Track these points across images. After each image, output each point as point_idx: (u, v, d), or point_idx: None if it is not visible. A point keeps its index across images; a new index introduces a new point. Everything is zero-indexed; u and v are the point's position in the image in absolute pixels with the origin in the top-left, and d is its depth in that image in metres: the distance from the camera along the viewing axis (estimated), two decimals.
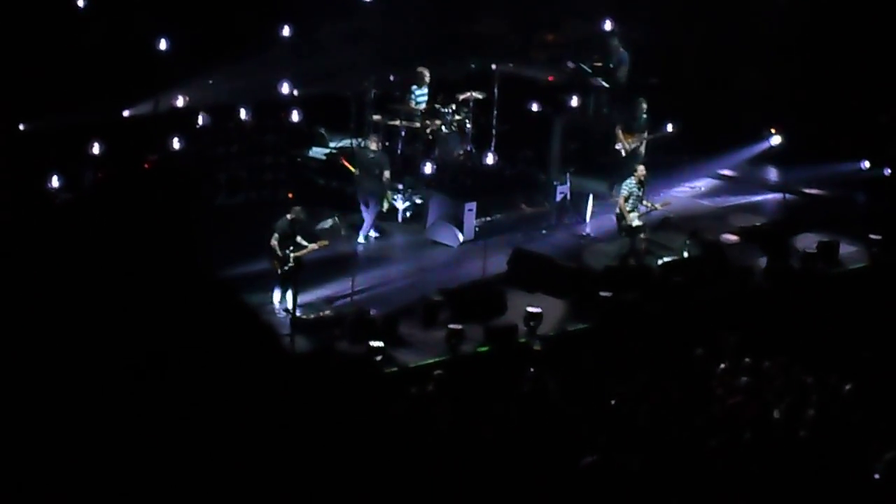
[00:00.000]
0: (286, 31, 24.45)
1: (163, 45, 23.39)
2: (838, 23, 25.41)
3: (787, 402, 15.95)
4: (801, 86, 25.76)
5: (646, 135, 23.67)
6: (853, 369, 16.69)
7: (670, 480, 14.48)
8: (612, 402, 15.93)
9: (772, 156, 25.01)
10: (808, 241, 22.06)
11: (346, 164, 22.85)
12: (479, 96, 23.75)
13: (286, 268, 18.74)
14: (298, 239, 18.88)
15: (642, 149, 23.62)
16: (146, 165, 21.59)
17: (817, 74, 25.87)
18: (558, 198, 23.02)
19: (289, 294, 18.67)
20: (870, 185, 24.66)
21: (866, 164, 25.19)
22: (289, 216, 18.98)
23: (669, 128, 24.02)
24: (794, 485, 14.55)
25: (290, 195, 21.74)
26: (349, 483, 13.75)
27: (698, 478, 14.60)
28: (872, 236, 21.95)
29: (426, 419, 15.47)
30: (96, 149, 21.20)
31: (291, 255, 18.70)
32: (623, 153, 23.53)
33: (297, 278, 18.68)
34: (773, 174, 25.40)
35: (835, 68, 25.69)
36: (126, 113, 22.95)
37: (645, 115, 23.76)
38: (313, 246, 18.96)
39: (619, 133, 23.63)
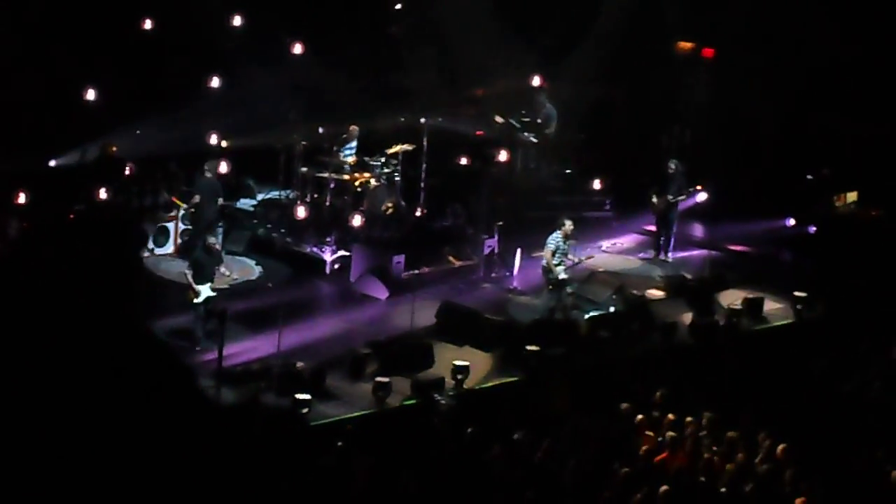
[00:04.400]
0: (216, 83, 24.45)
1: (91, 94, 23.31)
2: (765, 81, 25.77)
3: (710, 457, 16.04)
4: (727, 143, 26.08)
5: (675, 198, 23.87)
6: (779, 426, 16.80)
7: None
8: (538, 456, 15.93)
9: (698, 212, 25.23)
10: (733, 297, 22.23)
11: (176, 200, 22.67)
12: (409, 149, 23.83)
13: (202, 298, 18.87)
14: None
15: (672, 211, 23.89)
16: (71, 216, 21.42)
17: (744, 132, 26.21)
18: (486, 251, 23.07)
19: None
20: (795, 243, 24.93)
21: (791, 222, 25.49)
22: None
23: (701, 196, 24.30)
24: None
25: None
26: None
27: None
28: (797, 293, 22.14)
29: (349, 473, 15.40)
30: (22, 198, 21.02)
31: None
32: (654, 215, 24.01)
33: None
34: (698, 230, 25.61)
35: (761, 126, 26.04)
36: (53, 163, 22.82)
37: (676, 177, 23.94)
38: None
39: (651, 196, 23.81)
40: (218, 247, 19.82)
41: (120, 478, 14.39)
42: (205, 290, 19.03)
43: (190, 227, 22.39)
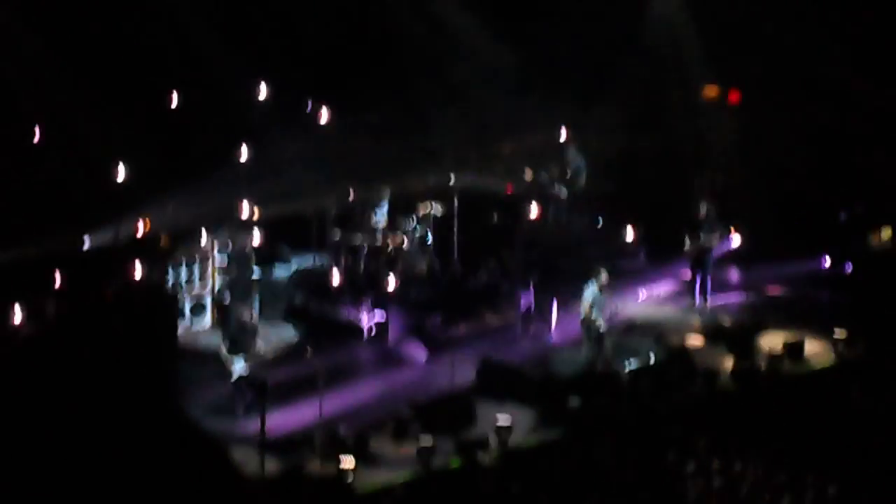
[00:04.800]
0: (245, 153, 24.58)
1: (121, 171, 23.47)
2: (793, 120, 25.76)
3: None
4: (758, 185, 26.03)
5: (708, 242, 23.88)
6: (826, 468, 16.68)
7: None
8: None
9: (733, 256, 25.14)
10: (773, 341, 22.11)
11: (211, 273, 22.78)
12: (440, 209, 23.88)
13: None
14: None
15: (706, 256, 23.91)
16: (107, 295, 21.49)
17: (774, 173, 26.17)
18: (522, 306, 23.04)
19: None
20: (831, 283, 24.81)
21: (827, 262, 25.38)
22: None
23: (735, 239, 24.29)
24: None
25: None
26: None
27: None
28: (836, 334, 22.02)
29: None
30: (57, 280, 21.11)
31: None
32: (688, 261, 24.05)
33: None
34: (734, 275, 25.51)
35: (792, 166, 26.00)
36: (87, 242, 22.94)
37: (709, 222, 23.96)
38: None
39: (685, 242, 23.88)
40: (253, 320, 19.86)
41: None
42: (239, 364, 19.06)
43: (225, 300, 22.43)
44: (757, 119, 26.70)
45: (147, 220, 23.18)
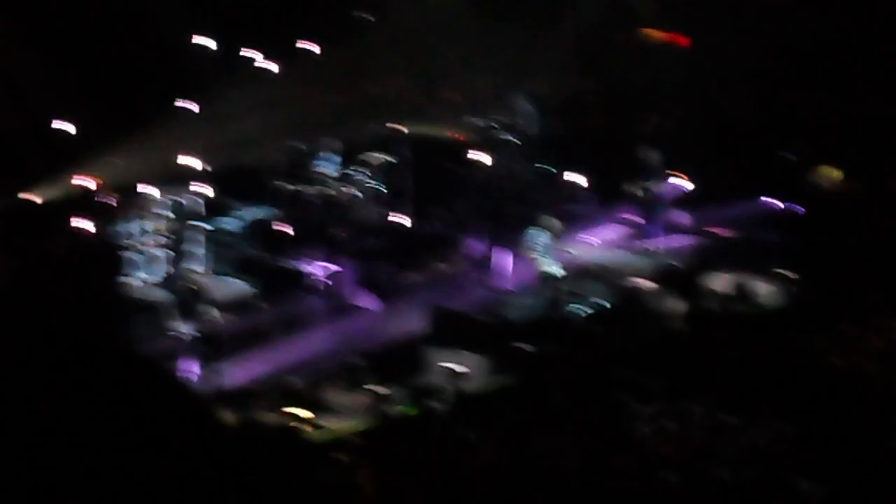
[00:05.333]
0: (190, 105, 24.36)
1: (63, 125, 23.22)
2: (739, 63, 25.79)
3: (714, 445, 16.02)
4: (705, 128, 26.10)
5: (656, 185, 23.96)
6: (778, 407, 16.79)
7: None
8: (542, 456, 15.89)
9: (681, 199, 25.23)
10: (723, 282, 22.22)
11: (158, 228, 22.57)
12: (387, 158, 23.80)
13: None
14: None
15: (654, 199, 24.08)
16: (50, 249, 21.31)
17: (721, 116, 26.23)
18: (474, 254, 23.04)
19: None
20: (779, 223, 24.94)
21: (776, 203, 25.50)
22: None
23: (683, 182, 24.70)
24: None
25: None
26: None
27: None
28: (786, 273, 22.15)
29: (352, 488, 15.33)
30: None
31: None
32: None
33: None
34: (683, 217, 25.60)
35: (735, 109, 26.06)
36: (27, 196, 22.71)
37: (656, 166, 24.05)
38: None
39: (633, 186, 23.91)
40: (202, 279, 19.75)
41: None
42: (189, 320, 18.94)
43: (174, 252, 22.30)
44: (702, 62, 26.73)
45: (92, 174, 22.98)
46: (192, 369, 18.85)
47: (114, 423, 15.58)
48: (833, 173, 25.56)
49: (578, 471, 15.52)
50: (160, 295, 21.58)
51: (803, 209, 25.06)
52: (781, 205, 25.51)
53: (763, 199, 25.75)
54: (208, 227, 22.57)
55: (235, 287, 22.20)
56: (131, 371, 17.17)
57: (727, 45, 26.17)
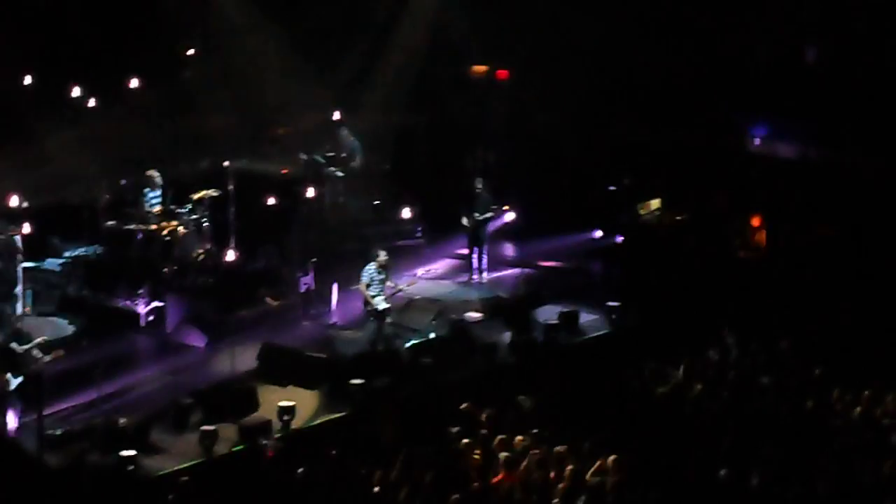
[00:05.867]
0: (11, 143, 23.96)
1: None
2: (560, 97, 26.20)
3: (541, 474, 16.18)
4: (530, 161, 26.47)
5: (482, 216, 24.16)
6: (604, 437, 17.04)
7: None
8: (375, 489, 15.92)
9: (508, 231, 25.54)
10: (549, 313, 22.53)
11: None
12: (215, 194, 23.63)
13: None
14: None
15: (482, 231, 24.29)
16: None
17: (545, 149, 26.62)
18: (302, 289, 22.99)
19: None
20: (603, 254, 25.37)
21: (599, 234, 25.94)
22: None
23: (509, 215, 24.86)
24: None
25: None
26: None
27: None
28: (610, 303, 22.55)
29: None
30: None
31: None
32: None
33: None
34: (510, 249, 25.91)
35: (561, 142, 26.46)
36: None
37: (483, 198, 24.25)
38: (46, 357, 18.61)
39: (461, 217, 24.17)
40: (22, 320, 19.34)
41: None
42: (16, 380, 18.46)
43: None
44: (527, 96, 27.11)
45: None
46: (12, 416, 18.38)
47: None
48: (655, 204, 26.10)
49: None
50: None
51: (626, 240, 25.51)
52: (605, 236, 25.95)
53: (588, 231, 26.16)
54: (29, 265, 22.12)
55: (58, 327, 21.78)
56: None
57: (552, 80, 26.57)
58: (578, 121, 26.29)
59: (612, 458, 16.25)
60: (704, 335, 20.73)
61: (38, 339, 18.92)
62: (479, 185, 24.42)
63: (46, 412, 18.05)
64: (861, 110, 24.83)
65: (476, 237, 24.44)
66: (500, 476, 16.20)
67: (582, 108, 26.21)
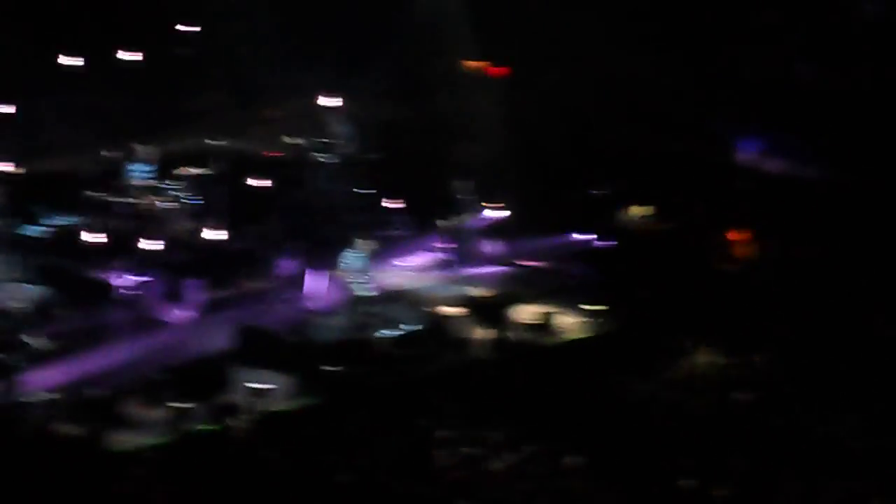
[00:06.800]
0: (5, 108, 23.87)
1: None
2: (554, 98, 26.22)
3: (510, 471, 16.24)
4: (518, 160, 26.46)
5: (467, 215, 24.06)
6: (574, 439, 17.10)
7: None
8: (339, 477, 15.95)
9: (491, 229, 25.54)
10: (526, 313, 22.55)
11: None
12: (201, 172, 23.63)
13: None
14: None
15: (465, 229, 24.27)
16: None
17: (534, 149, 26.62)
18: (282, 272, 23.00)
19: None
20: (585, 257, 25.39)
21: (581, 236, 25.96)
22: None
23: (494, 213, 24.75)
24: None
25: None
26: None
27: None
28: (588, 306, 22.58)
29: (146, 502, 15.21)
30: None
31: None
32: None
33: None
34: (491, 247, 25.90)
35: (551, 143, 26.47)
36: None
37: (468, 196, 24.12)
38: None
39: (445, 214, 24.09)
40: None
41: None
42: None
43: None
44: (518, 95, 27.12)
45: None
46: None
47: None
48: (640, 210, 26.13)
49: (377, 495, 15.62)
50: None
51: (609, 244, 25.54)
52: (590, 239, 25.98)
53: (572, 233, 26.19)
54: (11, 232, 22.08)
55: (36, 295, 21.76)
56: None
57: (545, 80, 26.59)
58: (570, 123, 26.29)
59: (579, 461, 16.32)
60: (680, 345, 20.80)
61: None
62: (465, 184, 24.37)
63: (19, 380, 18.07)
64: (856, 128, 24.92)
65: (458, 233, 24.43)
66: (461, 472, 16.25)
67: (575, 111, 26.22)
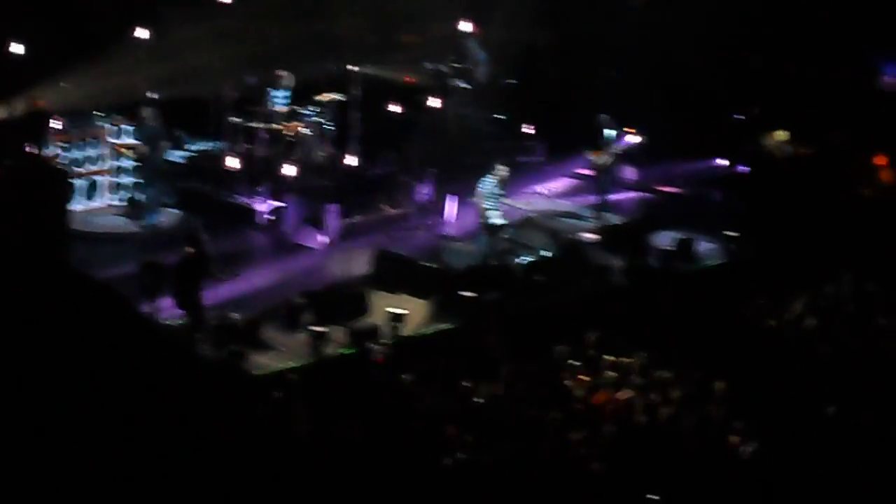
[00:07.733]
0: (142, 33, 24.14)
1: (15, 48, 22.98)
2: (694, 23, 25.82)
3: (647, 397, 16.18)
4: (657, 85, 26.15)
5: (613, 148, 23.84)
6: (714, 365, 16.97)
7: (535, 477, 14.63)
8: (477, 400, 16.02)
9: (630, 155, 25.32)
10: (665, 239, 22.39)
11: (121, 150, 22.40)
12: (340, 98, 23.74)
13: None
14: None
15: (612, 164, 23.93)
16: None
17: (674, 73, 26.29)
18: (420, 198, 23.08)
19: None
20: (725, 183, 25.11)
21: (722, 162, 25.66)
22: None
23: (635, 139, 24.21)
24: (658, 473, 14.80)
25: None
26: (214, 487, 13.65)
27: (563, 473, 14.77)
28: (728, 233, 22.34)
29: (286, 423, 15.40)
30: None
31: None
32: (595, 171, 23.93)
33: None
34: (631, 173, 25.72)
35: (691, 67, 26.13)
36: None
37: (609, 130, 23.88)
38: None
39: (588, 154, 23.81)
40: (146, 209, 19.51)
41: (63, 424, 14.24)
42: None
43: (137, 179, 22.19)
44: (658, 18, 26.75)
45: (40, 98, 22.74)
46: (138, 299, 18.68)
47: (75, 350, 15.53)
48: (782, 136, 25.73)
49: (514, 421, 15.67)
50: (104, 222, 21.56)
51: (749, 170, 25.22)
52: (729, 165, 25.68)
53: (712, 158, 25.90)
54: (156, 157, 22.40)
55: (178, 219, 22.11)
56: (88, 297, 17.12)
57: (685, 4, 26.19)
58: (710, 47, 25.89)
59: (719, 385, 16.21)
60: (821, 272, 20.49)
61: None
62: (603, 116, 24.06)
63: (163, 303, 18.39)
64: None
65: (599, 159, 24.19)
66: (603, 397, 16.22)
67: (714, 35, 25.80)
